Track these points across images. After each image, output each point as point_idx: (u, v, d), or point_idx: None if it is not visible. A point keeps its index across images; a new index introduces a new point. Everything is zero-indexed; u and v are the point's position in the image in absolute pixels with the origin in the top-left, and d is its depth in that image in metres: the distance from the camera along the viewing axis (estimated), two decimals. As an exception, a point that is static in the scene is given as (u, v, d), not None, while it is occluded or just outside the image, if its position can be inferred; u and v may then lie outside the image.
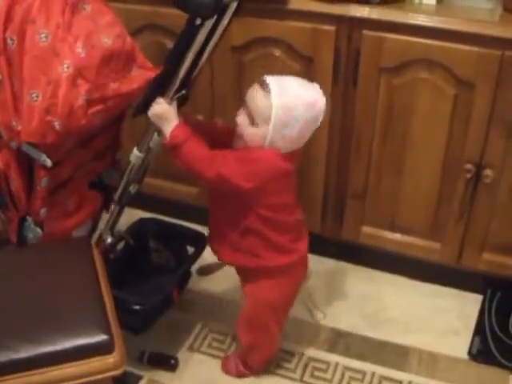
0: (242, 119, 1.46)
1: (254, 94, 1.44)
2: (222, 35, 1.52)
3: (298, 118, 1.42)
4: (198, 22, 1.37)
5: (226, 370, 1.85)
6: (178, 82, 1.47)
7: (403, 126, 1.88)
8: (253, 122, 1.44)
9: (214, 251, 1.68)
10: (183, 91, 1.52)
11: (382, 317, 2.05)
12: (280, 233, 1.57)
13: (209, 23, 1.39)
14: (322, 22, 1.82)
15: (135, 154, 1.60)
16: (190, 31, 1.39)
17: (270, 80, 1.43)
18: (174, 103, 1.52)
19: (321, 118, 1.47)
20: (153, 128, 1.56)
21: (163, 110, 1.47)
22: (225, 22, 1.49)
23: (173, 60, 1.45)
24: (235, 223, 1.56)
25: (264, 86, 1.43)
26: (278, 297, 1.66)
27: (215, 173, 1.44)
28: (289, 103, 1.40)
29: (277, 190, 1.52)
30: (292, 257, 1.62)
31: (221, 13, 1.44)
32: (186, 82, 1.53)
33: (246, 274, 1.68)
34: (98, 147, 1.68)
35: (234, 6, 1.47)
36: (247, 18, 1.84)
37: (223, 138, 1.56)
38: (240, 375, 1.83)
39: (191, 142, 1.45)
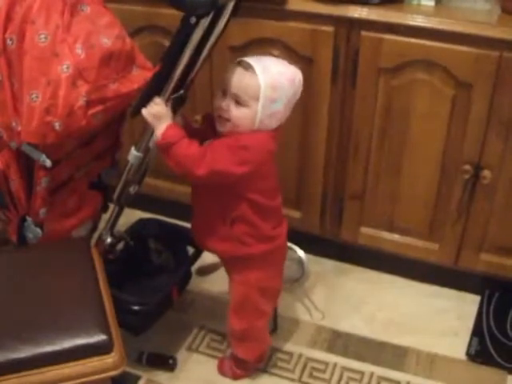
0: (225, 104, 1.45)
1: (238, 76, 1.44)
2: (220, 36, 1.52)
3: (284, 94, 1.45)
4: (193, 20, 1.37)
5: (222, 372, 1.85)
6: (174, 82, 1.46)
7: (401, 126, 1.88)
8: (239, 103, 1.44)
9: (201, 243, 1.69)
10: (181, 91, 1.53)
11: (380, 317, 2.05)
12: (265, 219, 1.58)
13: (204, 22, 1.39)
14: (321, 23, 1.82)
15: (133, 154, 1.60)
16: (185, 31, 1.39)
17: (250, 60, 1.44)
18: (169, 104, 1.52)
19: (299, 92, 1.51)
20: (151, 128, 1.56)
21: (157, 110, 1.46)
22: (222, 22, 1.48)
23: (168, 59, 1.45)
24: (224, 213, 1.56)
25: (246, 66, 1.44)
26: (264, 280, 1.66)
27: (208, 169, 1.43)
28: (274, 80, 1.43)
29: (266, 174, 1.54)
30: (275, 242, 1.63)
31: (218, 13, 1.44)
32: (184, 83, 1.53)
33: (233, 263, 1.68)
34: (98, 147, 1.68)
35: (230, 6, 1.47)
36: (246, 18, 1.84)
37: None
38: (236, 377, 1.83)
39: (182, 142, 1.45)
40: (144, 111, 1.47)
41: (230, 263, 1.71)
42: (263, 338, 1.81)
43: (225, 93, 1.46)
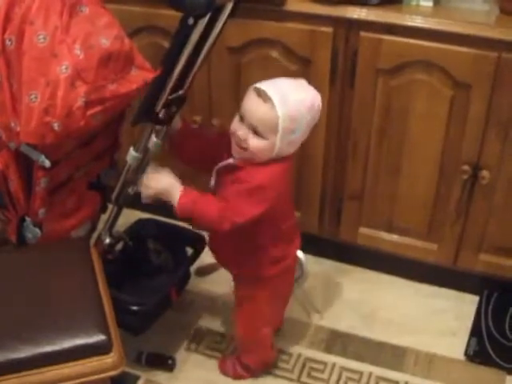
0: (243, 133, 1.42)
1: (256, 107, 1.40)
2: (218, 36, 1.52)
3: (303, 123, 1.43)
4: (191, 21, 1.37)
5: (223, 371, 1.85)
6: (172, 83, 1.47)
7: (400, 127, 1.88)
8: (257, 134, 1.41)
9: (218, 260, 1.73)
10: (180, 92, 1.53)
11: (379, 317, 2.05)
12: (277, 243, 1.60)
13: (202, 23, 1.39)
14: (320, 24, 1.82)
15: (132, 154, 1.60)
16: (184, 32, 1.39)
17: (268, 88, 1.40)
18: (177, 117, 1.56)
19: (318, 116, 1.48)
20: (149, 129, 1.56)
21: (161, 186, 1.46)
22: (220, 23, 1.48)
23: (168, 61, 1.45)
24: (242, 246, 1.59)
25: (262, 95, 1.39)
26: (273, 297, 1.68)
27: (231, 224, 1.44)
28: (293, 111, 1.39)
29: (282, 201, 1.52)
30: (285, 263, 1.65)
31: (216, 14, 1.45)
32: (183, 84, 1.53)
33: (243, 280, 1.70)
34: (97, 148, 1.68)
35: (229, 6, 1.47)
36: (244, 19, 1.84)
37: (215, 144, 1.59)
38: (237, 377, 1.83)
39: (199, 204, 1.45)
40: (150, 191, 1.47)
41: (240, 280, 1.72)
42: (266, 347, 1.82)
43: (242, 119, 1.43)
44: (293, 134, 1.42)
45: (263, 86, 1.41)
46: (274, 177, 1.46)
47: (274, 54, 1.92)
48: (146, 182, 1.49)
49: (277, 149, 1.43)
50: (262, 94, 1.40)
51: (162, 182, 1.48)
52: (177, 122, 1.60)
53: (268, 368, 1.85)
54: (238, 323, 1.78)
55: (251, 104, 1.41)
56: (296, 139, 1.45)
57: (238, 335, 1.80)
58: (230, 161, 1.50)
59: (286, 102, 1.38)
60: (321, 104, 1.46)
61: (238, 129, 1.44)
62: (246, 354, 1.80)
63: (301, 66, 1.90)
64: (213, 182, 1.57)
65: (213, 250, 1.71)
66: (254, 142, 1.42)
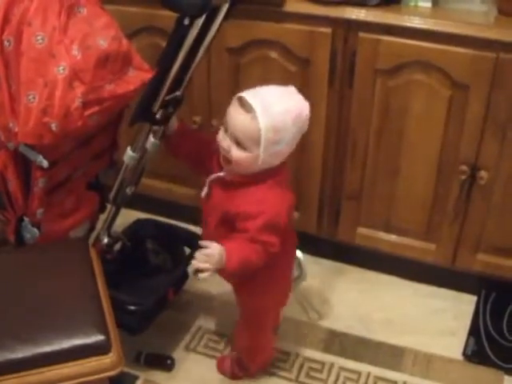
0: (226, 144, 1.39)
1: (237, 117, 1.36)
2: (214, 37, 1.53)
3: (288, 134, 1.37)
4: (187, 22, 1.37)
5: (221, 370, 1.85)
6: (169, 83, 1.47)
7: (398, 127, 1.89)
8: (239, 145, 1.38)
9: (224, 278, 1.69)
10: (177, 93, 1.53)
11: (377, 317, 2.05)
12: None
13: (198, 23, 1.39)
14: (319, 25, 1.83)
15: (129, 154, 1.60)
16: (180, 32, 1.40)
17: (250, 98, 1.34)
18: (174, 117, 1.56)
19: (306, 126, 1.43)
20: (146, 129, 1.56)
21: (218, 256, 1.40)
22: (217, 23, 1.49)
23: (164, 62, 1.45)
24: None
25: (245, 105, 1.35)
26: (270, 299, 1.68)
27: (269, 257, 1.45)
28: (277, 122, 1.34)
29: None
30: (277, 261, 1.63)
31: (212, 14, 1.45)
32: (180, 84, 1.53)
33: (241, 286, 1.69)
34: (95, 148, 1.68)
35: (225, 7, 1.47)
36: (243, 20, 1.85)
37: (210, 145, 1.54)
38: (235, 376, 1.83)
39: (242, 260, 1.42)
40: (207, 272, 1.41)
41: (238, 285, 1.71)
42: (267, 349, 1.82)
43: (226, 130, 1.40)
44: (277, 145, 1.37)
45: (247, 95, 1.36)
46: (278, 194, 1.45)
47: (273, 54, 1.92)
48: (200, 264, 1.41)
49: (260, 160, 1.38)
50: (244, 104, 1.35)
51: (214, 260, 1.40)
52: (173, 123, 1.61)
53: (267, 366, 1.85)
54: (239, 329, 1.78)
55: (233, 114, 1.37)
56: (281, 150, 1.40)
57: (240, 346, 1.79)
58: (221, 174, 1.48)
59: (270, 113, 1.33)
60: (309, 113, 1.41)
61: (222, 139, 1.41)
62: (246, 355, 1.80)
63: (300, 67, 1.91)
64: (204, 192, 1.54)
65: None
66: (237, 154, 1.38)
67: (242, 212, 1.43)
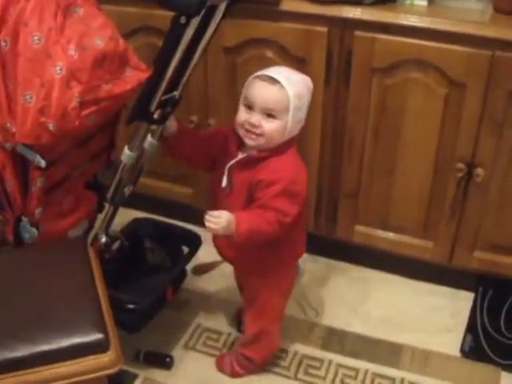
0: (256, 120, 1.47)
1: (267, 91, 1.46)
2: (212, 37, 1.53)
3: (306, 100, 1.52)
4: (183, 21, 1.37)
5: (220, 368, 1.86)
6: (166, 83, 1.47)
7: (395, 125, 1.89)
8: (272, 116, 1.47)
9: (223, 256, 1.72)
10: (174, 93, 1.53)
11: (375, 315, 2.06)
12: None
13: (195, 22, 1.39)
14: (315, 23, 1.83)
15: (126, 153, 1.61)
16: (176, 31, 1.40)
17: (272, 73, 1.47)
18: (172, 117, 1.58)
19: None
20: (144, 128, 1.57)
21: (225, 222, 1.44)
22: (215, 22, 1.49)
23: (160, 61, 1.45)
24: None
25: (270, 80, 1.46)
26: (283, 282, 1.72)
27: (282, 227, 1.49)
28: (298, 89, 1.48)
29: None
30: (290, 255, 1.69)
31: (210, 13, 1.45)
32: (177, 84, 1.53)
33: (253, 275, 1.71)
34: (93, 148, 1.69)
35: (222, 7, 1.48)
36: (240, 19, 1.85)
37: (209, 142, 1.63)
38: (234, 374, 1.84)
39: (253, 227, 1.47)
40: (214, 227, 1.45)
41: (248, 274, 1.73)
42: (275, 339, 1.83)
43: (251, 108, 1.48)
44: (300, 111, 1.50)
45: (265, 72, 1.49)
46: (296, 163, 1.54)
47: (270, 53, 1.92)
48: (209, 224, 1.46)
49: (289, 128, 1.49)
50: (267, 79, 1.47)
51: (222, 223, 1.45)
52: (173, 125, 1.62)
53: (269, 359, 1.86)
54: (251, 320, 1.78)
55: (261, 90, 1.47)
56: (302, 117, 1.52)
57: (249, 332, 1.79)
58: (249, 153, 1.53)
59: (291, 82, 1.47)
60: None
61: (249, 118, 1.48)
62: (254, 348, 1.79)
63: (296, 66, 1.89)
64: (225, 181, 1.56)
65: (217, 247, 1.70)
66: (269, 125, 1.47)
67: (260, 181, 1.49)
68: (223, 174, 1.55)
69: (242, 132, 1.50)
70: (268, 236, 1.50)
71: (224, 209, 1.50)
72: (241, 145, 1.54)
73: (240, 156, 1.54)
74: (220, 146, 1.59)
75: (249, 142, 1.50)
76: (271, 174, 1.48)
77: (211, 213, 1.45)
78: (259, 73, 1.50)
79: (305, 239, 1.72)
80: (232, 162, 1.53)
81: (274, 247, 1.59)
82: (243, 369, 1.83)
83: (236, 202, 1.54)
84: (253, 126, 1.47)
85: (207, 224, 1.45)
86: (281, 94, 1.45)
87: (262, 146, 1.50)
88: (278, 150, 1.51)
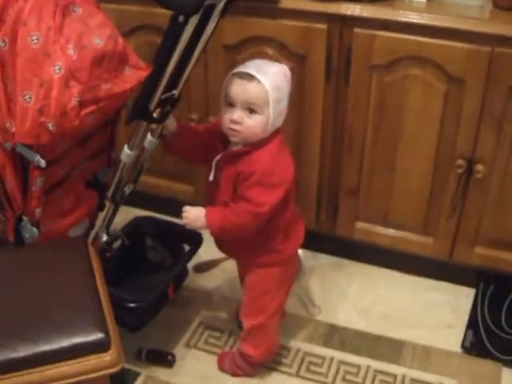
0: (238, 116, 1.49)
1: (246, 87, 1.48)
2: (211, 35, 1.53)
3: (285, 91, 1.53)
4: (182, 19, 1.37)
5: (222, 366, 1.86)
6: (165, 82, 1.47)
7: (395, 122, 1.89)
8: (253, 111, 1.49)
9: (225, 251, 1.76)
10: (174, 92, 1.53)
11: (376, 311, 2.07)
12: (283, 230, 1.65)
13: (193, 21, 1.39)
14: (314, 21, 1.83)
15: (126, 152, 1.61)
16: (174, 30, 1.40)
17: (249, 70, 1.48)
18: (172, 117, 1.59)
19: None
20: (144, 127, 1.57)
21: (193, 216, 1.57)
22: (213, 21, 1.49)
23: (159, 60, 1.45)
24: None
25: (247, 77, 1.48)
26: (283, 273, 1.71)
27: (257, 218, 1.53)
28: (276, 82, 1.49)
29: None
30: (292, 248, 1.70)
31: (209, 12, 1.45)
32: (177, 83, 1.53)
33: (253, 268, 1.71)
34: (93, 147, 1.69)
35: (221, 5, 1.47)
36: (240, 17, 1.85)
37: (206, 135, 1.65)
38: (236, 372, 1.84)
39: (225, 217, 1.53)
40: (184, 220, 1.58)
41: (248, 267, 1.73)
42: (273, 335, 1.82)
43: (232, 105, 1.50)
44: (280, 103, 1.51)
45: (242, 69, 1.50)
46: (275, 154, 1.54)
47: (270, 51, 1.92)
48: (184, 220, 1.59)
49: (271, 121, 1.50)
50: (244, 76, 1.49)
51: (191, 214, 1.58)
52: (172, 125, 1.62)
53: (270, 357, 1.85)
54: (248, 312, 1.77)
55: (239, 87, 1.49)
56: (283, 108, 1.54)
57: (247, 325, 1.78)
58: (231, 148, 1.56)
59: (268, 75, 1.48)
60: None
61: (230, 115, 1.50)
62: (253, 343, 1.78)
63: (296, 63, 1.91)
64: (212, 176, 1.59)
65: (216, 240, 1.71)
66: (251, 121, 1.49)
67: (239, 174, 1.53)
68: (211, 168, 1.59)
69: (226, 129, 1.53)
70: (243, 227, 1.54)
71: (214, 202, 1.59)
72: (227, 140, 1.57)
73: (225, 151, 1.57)
74: (209, 141, 1.62)
75: (233, 138, 1.54)
76: (248, 167, 1.51)
77: (184, 208, 1.56)
78: (236, 70, 1.51)
79: (301, 229, 1.73)
80: (218, 157, 1.57)
81: (267, 237, 1.62)
82: (245, 367, 1.83)
83: (223, 195, 1.58)
84: (235, 122, 1.50)
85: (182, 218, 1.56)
86: (259, 89, 1.47)
87: (246, 141, 1.53)
88: (260, 142, 1.53)
